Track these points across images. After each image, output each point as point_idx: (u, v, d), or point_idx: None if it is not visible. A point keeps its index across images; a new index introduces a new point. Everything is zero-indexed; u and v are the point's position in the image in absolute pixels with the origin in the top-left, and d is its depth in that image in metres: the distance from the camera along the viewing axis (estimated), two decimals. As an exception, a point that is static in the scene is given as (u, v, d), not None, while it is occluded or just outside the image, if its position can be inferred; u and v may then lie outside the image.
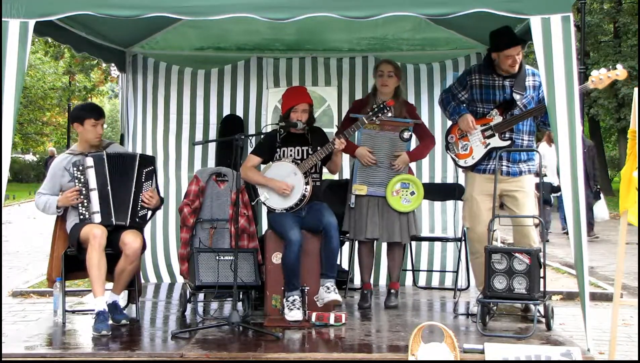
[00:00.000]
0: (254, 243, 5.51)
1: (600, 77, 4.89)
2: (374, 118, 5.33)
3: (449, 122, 5.66)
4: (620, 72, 4.87)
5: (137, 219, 5.13)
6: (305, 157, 5.36)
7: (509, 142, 5.21)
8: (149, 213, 5.22)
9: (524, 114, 5.18)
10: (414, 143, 5.82)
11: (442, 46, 6.91)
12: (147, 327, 5.23)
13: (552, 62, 4.23)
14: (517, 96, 5.20)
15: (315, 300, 5.20)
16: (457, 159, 5.44)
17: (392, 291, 5.72)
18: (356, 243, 5.86)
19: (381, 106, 5.31)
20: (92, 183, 5.05)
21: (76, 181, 5.07)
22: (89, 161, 5.07)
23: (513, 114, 5.20)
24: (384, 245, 5.81)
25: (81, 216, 5.05)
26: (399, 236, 5.58)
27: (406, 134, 5.59)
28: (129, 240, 4.96)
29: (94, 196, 5.04)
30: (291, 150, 5.41)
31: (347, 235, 5.74)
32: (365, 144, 5.61)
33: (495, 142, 5.23)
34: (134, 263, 5.06)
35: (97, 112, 5.20)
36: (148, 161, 5.29)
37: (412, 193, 5.56)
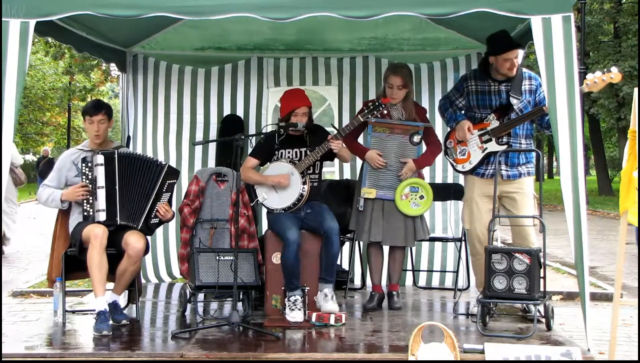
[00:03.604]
0: (254, 243, 5.51)
1: (594, 80, 4.89)
2: (369, 116, 5.32)
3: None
4: (614, 75, 4.85)
5: (147, 226, 5.13)
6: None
7: (505, 146, 5.21)
8: (158, 222, 5.22)
9: (520, 118, 5.19)
10: (423, 147, 5.78)
11: (443, 46, 6.91)
12: (147, 327, 5.22)
13: (552, 62, 4.22)
14: (514, 101, 5.22)
15: (315, 300, 5.20)
16: (455, 164, 5.45)
17: (394, 292, 5.71)
18: (360, 243, 5.85)
19: (377, 103, 5.30)
20: (101, 180, 5.02)
21: (83, 176, 5.05)
22: (100, 158, 5.04)
23: (510, 119, 5.21)
24: (386, 247, 5.80)
25: (85, 213, 5.04)
26: (404, 240, 5.56)
27: (416, 138, 5.53)
28: (132, 240, 4.96)
29: (101, 194, 5.01)
30: (289, 152, 5.40)
31: (348, 235, 5.73)
32: (374, 147, 5.55)
33: (492, 146, 5.23)
34: (136, 264, 5.06)
35: (93, 108, 5.20)
36: (174, 173, 5.26)
37: (422, 197, 5.52)
